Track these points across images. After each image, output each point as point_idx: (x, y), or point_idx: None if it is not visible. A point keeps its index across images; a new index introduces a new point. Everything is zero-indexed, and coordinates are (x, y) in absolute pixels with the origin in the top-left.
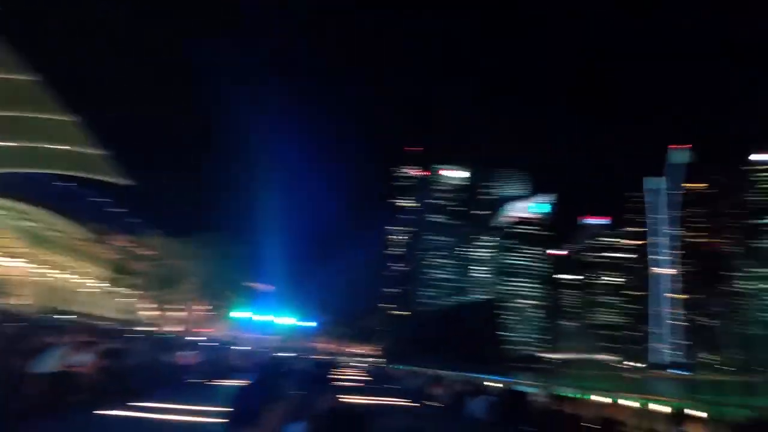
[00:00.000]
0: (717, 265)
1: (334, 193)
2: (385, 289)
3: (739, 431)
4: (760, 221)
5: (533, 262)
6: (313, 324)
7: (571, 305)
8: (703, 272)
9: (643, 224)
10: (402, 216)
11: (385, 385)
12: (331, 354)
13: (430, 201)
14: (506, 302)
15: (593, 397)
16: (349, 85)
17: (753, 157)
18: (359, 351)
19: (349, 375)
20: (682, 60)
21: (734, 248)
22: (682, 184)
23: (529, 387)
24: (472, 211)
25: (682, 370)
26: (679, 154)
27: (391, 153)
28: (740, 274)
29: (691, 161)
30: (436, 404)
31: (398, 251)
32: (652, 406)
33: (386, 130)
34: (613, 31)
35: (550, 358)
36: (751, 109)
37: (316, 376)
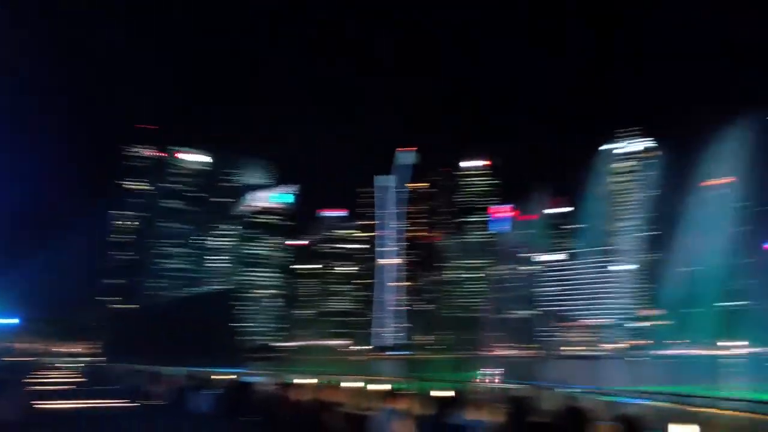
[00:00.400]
0: (433, 256)
1: (43, 172)
2: (107, 281)
3: (443, 404)
4: (465, 219)
5: (273, 251)
6: (14, 320)
7: (307, 294)
8: (422, 262)
9: (373, 218)
10: (131, 200)
11: (99, 387)
12: (35, 355)
13: (166, 185)
14: (243, 293)
15: (319, 381)
16: (73, 51)
17: (462, 163)
18: (72, 350)
19: (55, 377)
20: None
21: (446, 241)
22: (407, 184)
23: (258, 377)
24: (211, 198)
25: (402, 351)
26: (406, 156)
27: (121, 130)
28: (450, 264)
29: (415, 163)
30: (156, 403)
31: (125, 238)
32: (371, 386)
33: (116, 106)
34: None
35: (284, 347)
36: (465, 119)
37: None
